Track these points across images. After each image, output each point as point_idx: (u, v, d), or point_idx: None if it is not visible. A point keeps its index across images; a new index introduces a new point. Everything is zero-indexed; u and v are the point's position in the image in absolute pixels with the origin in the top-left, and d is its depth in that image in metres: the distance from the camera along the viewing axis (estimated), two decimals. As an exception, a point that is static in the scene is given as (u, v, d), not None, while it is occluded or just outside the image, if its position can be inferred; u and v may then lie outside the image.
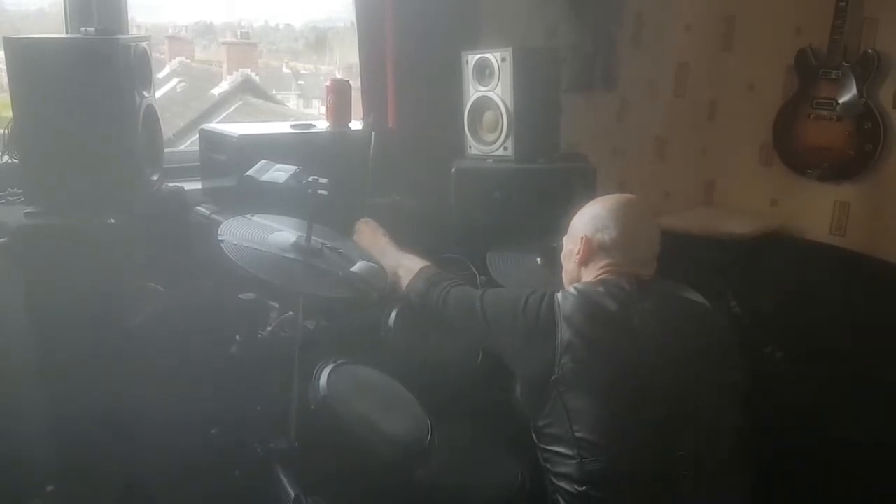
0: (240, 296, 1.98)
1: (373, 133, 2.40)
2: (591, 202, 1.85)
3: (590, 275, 1.78)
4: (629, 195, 1.85)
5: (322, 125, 2.51)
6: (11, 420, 1.83)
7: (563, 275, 1.89)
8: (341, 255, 1.90)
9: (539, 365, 1.63)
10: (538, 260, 2.21)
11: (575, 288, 1.73)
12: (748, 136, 3.50)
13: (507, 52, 2.41)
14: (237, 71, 4.19)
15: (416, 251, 2.06)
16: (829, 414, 2.40)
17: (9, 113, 1.97)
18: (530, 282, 2.15)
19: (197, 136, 2.46)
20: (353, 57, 2.78)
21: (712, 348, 1.71)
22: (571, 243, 1.83)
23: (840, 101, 3.12)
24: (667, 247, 1.83)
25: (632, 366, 1.62)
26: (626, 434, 1.56)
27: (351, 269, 1.81)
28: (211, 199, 2.31)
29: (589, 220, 1.80)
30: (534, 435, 1.68)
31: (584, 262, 1.79)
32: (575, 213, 1.87)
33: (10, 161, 2.03)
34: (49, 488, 1.85)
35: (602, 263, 1.77)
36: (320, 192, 1.78)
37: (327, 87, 2.52)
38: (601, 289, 1.70)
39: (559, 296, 1.70)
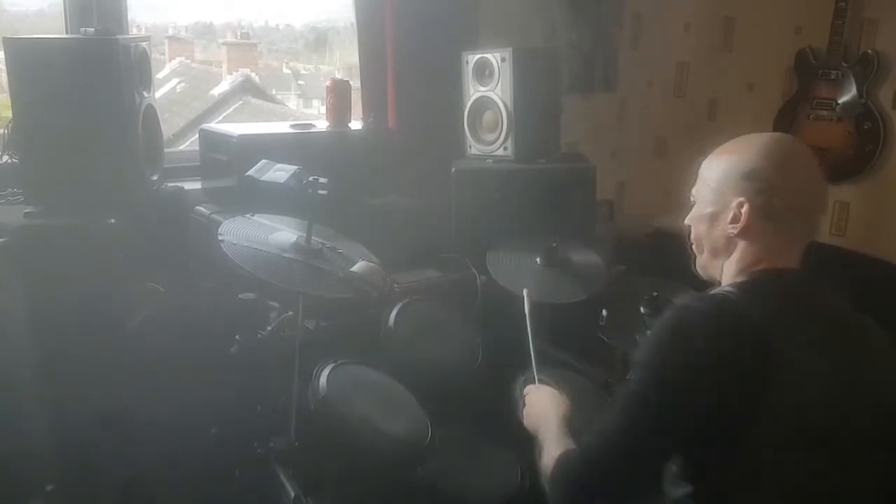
0: (240, 296, 1.98)
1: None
2: (736, 145, 1.39)
3: (749, 256, 1.35)
4: (784, 134, 1.43)
5: (322, 125, 2.51)
6: (11, 419, 1.83)
7: (698, 248, 1.44)
8: (341, 255, 1.90)
9: (707, 427, 1.21)
10: (538, 260, 2.21)
11: (737, 312, 1.26)
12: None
13: (507, 53, 2.41)
14: (237, 71, 4.19)
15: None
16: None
17: (9, 113, 1.97)
18: (531, 281, 2.15)
19: (197, 136, 2.46)
20: (354, 57, 2.78)
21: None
22: (716, 204, 1.37)
23: (840, 101, 3.12)
24: (667, 247, 1.83)
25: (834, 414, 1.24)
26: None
27: (351, 269, 1.81)
28: (211, 199, 2.31)
29: (747, 173, 1.33)
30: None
31: (746, 233, 1.34)
32: (701, 160, 1.45)
33: (9, 161, 2.03)
34: (49, 487, 1.85)
35: (766, 241, 1.33)
36: (320, 192, 1.78)
37: (327, 87, 2.52)
38: (778, 304, 1.28)
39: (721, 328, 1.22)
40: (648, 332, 1.32)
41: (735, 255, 1.36)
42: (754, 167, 1.33)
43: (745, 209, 1.32)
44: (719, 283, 1.39)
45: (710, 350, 1.20)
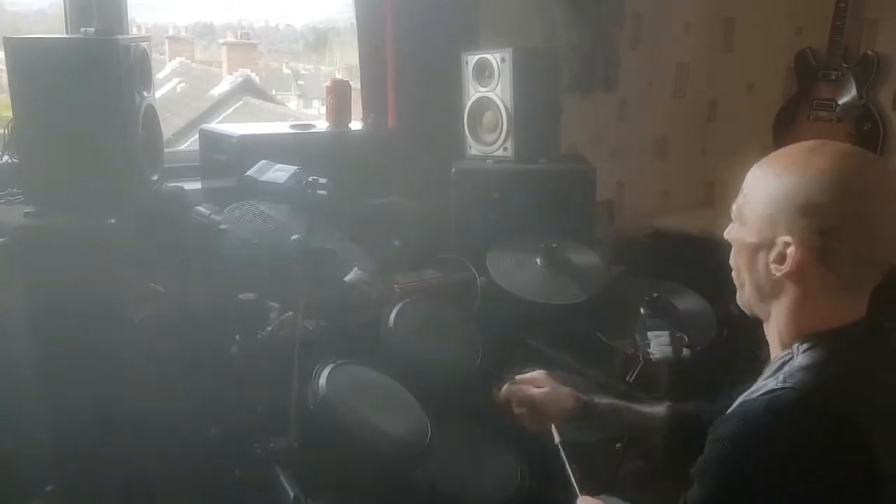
0: (239, 296, 1.98)
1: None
2: (797, 159, 1.11)
3: (806, 307, 1.12)
4: (862, 153, 1.12)
5: (322, 126, 2.51)
6: (11, 419, 1.83)
7: (739, 280, 1.21)
8: (341, 256, 1.90)
9: None
10: (538, 261, 2.21)
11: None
12: (748, 136, 3.50)
13: (507, 53, 2.41)
14: (237, 71, 4.19)
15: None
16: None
17: (9, 113, 1.97)
18: (530, 283, 2.16)
19: (197, 136, 2.46)
20: (354, 57, 2.78)
21: None
22: (760, 234, 1.12)
23: (840, 102, 3.12)
24: (667, 247, 1.82)
25: None
26: None
27: (344, 279, 1.81)
28: (211, 199, 2.31)
29: (804, 205, 1.07)
30: None
31: (795, 279, 1.11)
32: (746, 169, 1.19)
33: (9, 161, 2.03)
34: (49, 488, 1.85)
35: (824, 290, 1.10)
36: (320, 192, 1.78)
37: (327, 87, 2.52)
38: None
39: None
40: (723, 441, 1.05)
41: (786, 303, 1.13)
42: (815, 199, 1.06)
43: (791, 251, 1.08)
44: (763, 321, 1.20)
45: (806, 464, 0.99)
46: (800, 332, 1.12)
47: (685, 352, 1.99)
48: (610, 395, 1.97)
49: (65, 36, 2.30)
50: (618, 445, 2.03)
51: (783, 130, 3.33)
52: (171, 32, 4.09)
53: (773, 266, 1.11)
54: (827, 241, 1.06)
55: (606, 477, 2.02)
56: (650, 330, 2.02)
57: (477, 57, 2.50)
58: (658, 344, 2.00)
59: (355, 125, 2.54)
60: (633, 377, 2.10)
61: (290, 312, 1.90)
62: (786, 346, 1.14)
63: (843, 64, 3.09)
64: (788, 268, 1.08)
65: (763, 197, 1.12)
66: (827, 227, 1.05)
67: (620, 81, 3.43)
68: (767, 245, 1.11)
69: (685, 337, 2.01)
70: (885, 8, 3.05)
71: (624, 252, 3.05)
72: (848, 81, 3.09)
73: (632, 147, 3.50)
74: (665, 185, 3.61)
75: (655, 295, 2.11)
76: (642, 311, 2.10)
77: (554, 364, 2.15)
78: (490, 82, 2.48)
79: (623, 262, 2.74)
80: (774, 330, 1.17)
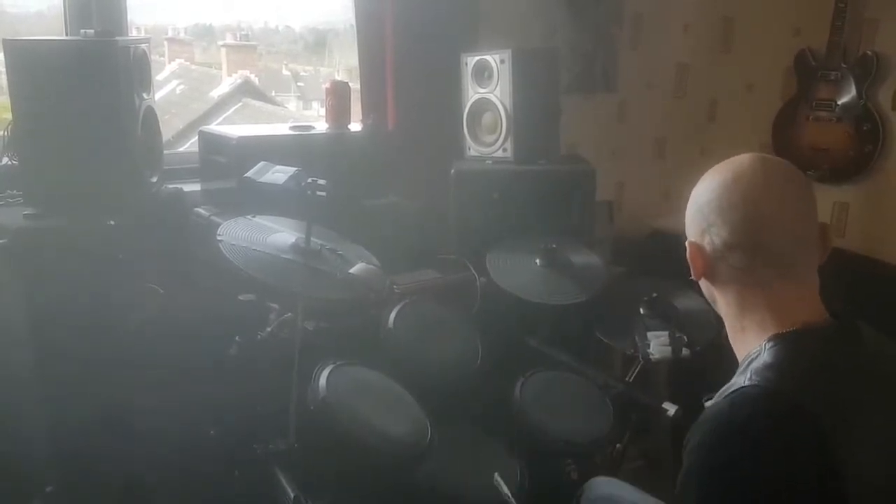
0: (239, 297, 1.98)
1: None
2: (711, 171, 1.19)
3: (736, 308, 1.17)
4: (758, 157, 1.16)
5: (321, 127, 2.51)
6: (11, 421, 1.83)
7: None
8: (340, 257, 1.90)
9: None
10: (538, 261, 2.21)
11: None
12: (747, 136, 3.50)
13: (506, 54, 2.41)
14: (236, 73, 4.19)
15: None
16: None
17: (8, 115, 1.98)
18: (530, 283, 2.16)
19: (196, 137, 2.46)
20: (353, 59, 2.78)
21: None
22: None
23: (839, 102, 3.12)
24: (667, 248, 1.82)
25: None
26: None
27: (349, 271, 1.81)
28: (210, 200, 2.31)
29: (696, 208, 1.17)
30: None
31: (710, 276, 1.18)
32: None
33: (9, 163, 2.03)
34: (48, 489, 1.85)
35: (742, 290, 1.15)
36: (319, 193, 1.78)
37: (327, 88, 2.52)
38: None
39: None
40: (695, 449, 1.05)
41: (721, 307, 1.20)
42: (703, 200, 1.15)
43: (689, 251, 1.18)
44: None
45: (775, 458, 0.99)
46: (745, 333, 1.16)
47: (685, 352, 1.99)
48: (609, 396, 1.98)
49: (64, 38, 2.30)
50: (618, 445, 2.03)
51: (783, 131, 3.32)
52: (170, 34, 4.09)
53: (694, 272, 1.19)
54: (709, 238, 1.14)
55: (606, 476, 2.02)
56: (650, 330, 2.03)
57: (476, 58, 2.50)
58: (657, 344, 2.00)
59: (355, 126, 2.55)
60: (632, 377, 2.10)
61: (290, 313, 1.91)
62: (739, 350, 1.17)
63: (843, 64, 3.09)
64: (693, 268, 1.18)
65: (688, 204, 1.20)
66: (706, 224, 1.14)
67: (620, 82, 3.43)
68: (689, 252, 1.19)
69: (685, 337, 2.02)
70: (884, 8, 3.05)
71: (624, 252, 3.05)
72: (847, 82, 3.09)
73: (631, 148, 3.50)
74: (665, 186, 3.61)
75: (655, 295, 2.11)
76: (642, 311, 2.11)
77: (553, 364, 2.16)
78: (489, 83, 2.48)
79: (622, 263, 2.74)
80: (729, 333, 1.20)
